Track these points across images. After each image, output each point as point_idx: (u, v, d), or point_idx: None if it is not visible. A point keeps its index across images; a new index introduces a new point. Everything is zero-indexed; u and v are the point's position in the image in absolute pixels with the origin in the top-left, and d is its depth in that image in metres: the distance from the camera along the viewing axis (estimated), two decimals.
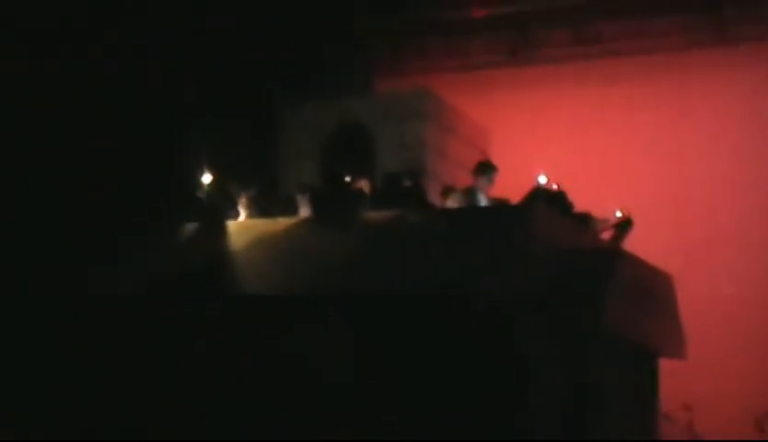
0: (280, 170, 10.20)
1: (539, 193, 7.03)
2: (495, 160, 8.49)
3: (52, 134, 8.65)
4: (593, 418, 6.80)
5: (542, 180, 7.06)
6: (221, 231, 7.33)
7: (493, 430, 6.08)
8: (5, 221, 8.31)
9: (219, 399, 6.89)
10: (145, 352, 7.22)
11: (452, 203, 7.43)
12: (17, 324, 7.83)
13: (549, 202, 6.96)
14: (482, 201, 7.33)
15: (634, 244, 7.63)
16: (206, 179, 7.40)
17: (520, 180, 7.29)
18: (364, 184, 7.47)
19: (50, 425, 7.32)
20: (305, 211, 7.39)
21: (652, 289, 7.65)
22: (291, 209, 7.49)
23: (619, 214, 7.65)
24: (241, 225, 7.46)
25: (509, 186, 7.39)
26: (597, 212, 7.63)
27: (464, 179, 8.46)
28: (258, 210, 7.57)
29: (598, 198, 7.83)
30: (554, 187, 7.29)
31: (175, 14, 9.61)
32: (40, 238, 8.35)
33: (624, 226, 7.61)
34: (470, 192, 7.39)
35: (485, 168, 7.61)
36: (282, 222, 7.31)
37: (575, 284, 6.60)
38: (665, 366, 7.90)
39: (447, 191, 7.62)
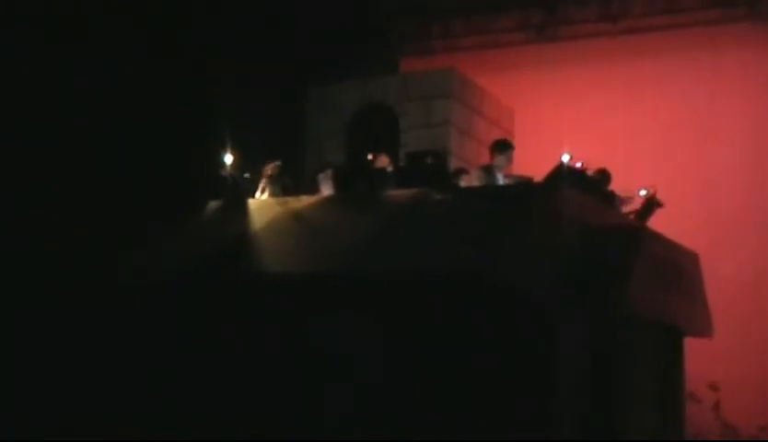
0: (305, 149, 10.23)
1: (562, 172, 6.97)
2: (520, 139, 8.45)
3: (78, 117, 8.72)
4: (619, 397, 6.77)
5: (566, 158, 6.99)
6: (244, 210, 7.36)
7: (517, 410, 6.08)
8: (32, 205, 8.40)
9: (242, 375, 6.95)
10: (171, 331, 7.29)
11: (468, 182, 7.40)
12: (47, 307, 7.96)
13: (572, 180, 6.90)
14: (501, 178, 7.29)
15: (661, 222, 7.56)
16: (228, 158, 7.44)
17: (546, 160, 7.22)
18: (387, 163, 7.46)
19: (82, 399, 7.45)
20: (327, 190, 7.40)
21: (678, 268, 7.57)
22: (314, 189, 7.51)
23: (644, 192, 7.57)
24: (264, 203, 7.48)
25: (535, 165, 7.33)
26: (623, 190, 7.57)
27: (488, 158, 8.43)
28: (281, 189, 7.59)
29: (625, 176, 7.75)
30: (578, 165, 7.22)
31: None
32: (68, 220, 8.44)
33: (649, 205, 7.53)
34: (488, 170, 7.34)
35: (503, 147, 7.55)
36: (305, 200, 7.33)
37: (599, 262, 6.55)
38: (691, 345, 7.84)
39: (457, 173, 7.58)
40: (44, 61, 8.56)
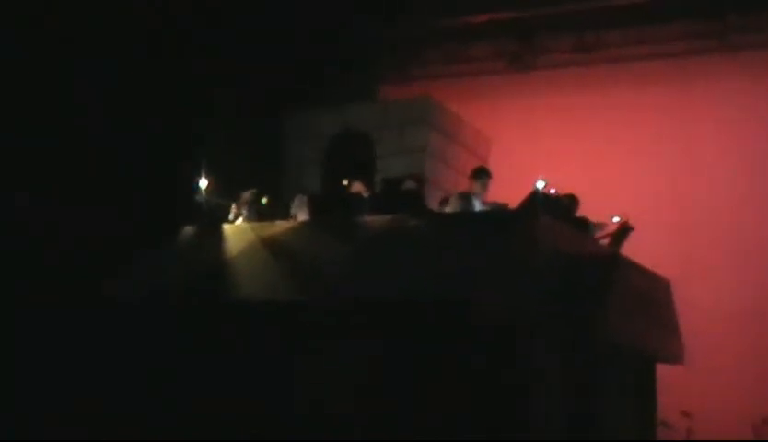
0: (282, 176, 10.23)
1: (537, 198, 7.02)
2: (496, 167, 8.50)
3: (54, 142, 8.69)
4: (593, 424, 6.79)
5: (540, 184, 7.04)
6: (219, 235, 7.35)
7: (494, 437, 6.07)
8: (11, 229, 8.35)
9: (215, 401, 6.91)
10: (145, 357, 7.24)
11: (449, 209, 7.44)
12: (24, 330, 7.91)
13: (547, 207, 6.95)
14: (478, 205, 7.33)
15: (635, 250, 7.62)
16: (203, 183, 7.43)
17: (521, 187, 7.27)
18: (363, 189, 7.49)
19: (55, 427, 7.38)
20: (302, 215, 7.41)
21: (650, 295, 7.64)
22: (289, 214, 7.52)
23: (617, 219, 7.63)
24: (239, 228, 7.47)
25: (510, 192, 7.38)
26: (596, 218, 7.62)
27: (465, 185, 8.45)
28: (256, 214, 7.58)
29: (599, 204, 7.81)
30: (552, 192, 7.27)
31: (182, 20, 9.66)
32: (45, 245, 8.39)
33: (622, 231, 7.59)
34: (465, 197, 7.39)
35: (480, 174, 7.61)
36: (280, 226, 7.33)
37: (573, 289, 6.59)
38: (664, 373, 7.88)
39: (444, 202, 7.64)
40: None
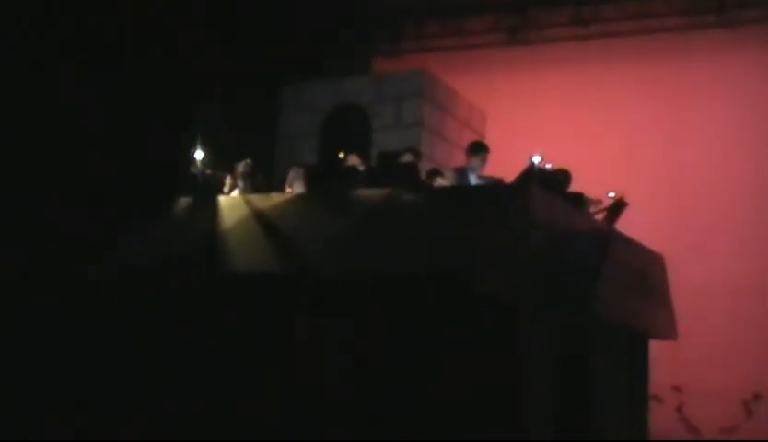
0: (277, 148, 10.22)
1: (533, 173, 7.01)
2: (492, 141, 8.50)
3: (47, 115, 8.64)
4: (585, 399, 6.82)
5: (536, 159, 7.02)
6: (214, 207, 7.32)
7: (486, 412, 6.10)
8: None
9: (211, 376, 6.93)
10: (140, 331, 7.24)
11: (443, 183, 7.43)
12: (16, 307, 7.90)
13: (542, 181, 6.95)
14: (474, 180, 7.32)
15: (630, 227, 7.62)
16: (199, 155, 7.39)
17: (516, 162, 7.26)
18: (358, 162, 7.47)
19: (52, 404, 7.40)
20: (298, 187, 7.40)
21: (644, 270, 7.66)
22: (284, 186, 7.50)
23: (612, 194, 7.63)
24: (234, 201, 7.44)
25: (505, 167, 7.37)
26: (591, 193, 7.62)
27: (460, 159, 8.46)
28: (252, 186, 7.56)
29: (594, 180, 7.80)
30: (548, 166, 7.26)
31: None
32: (38, 217, 8.37)
33: (617, 207, 7.59)
34: (461, 172, 7.37)
35: (478, 148, 7.59)
36: (275, 198, 7.30)
37: (569, 264, 6.60)
38: (656, 347, 7.92)
39: (432, 174, 7.61)
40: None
